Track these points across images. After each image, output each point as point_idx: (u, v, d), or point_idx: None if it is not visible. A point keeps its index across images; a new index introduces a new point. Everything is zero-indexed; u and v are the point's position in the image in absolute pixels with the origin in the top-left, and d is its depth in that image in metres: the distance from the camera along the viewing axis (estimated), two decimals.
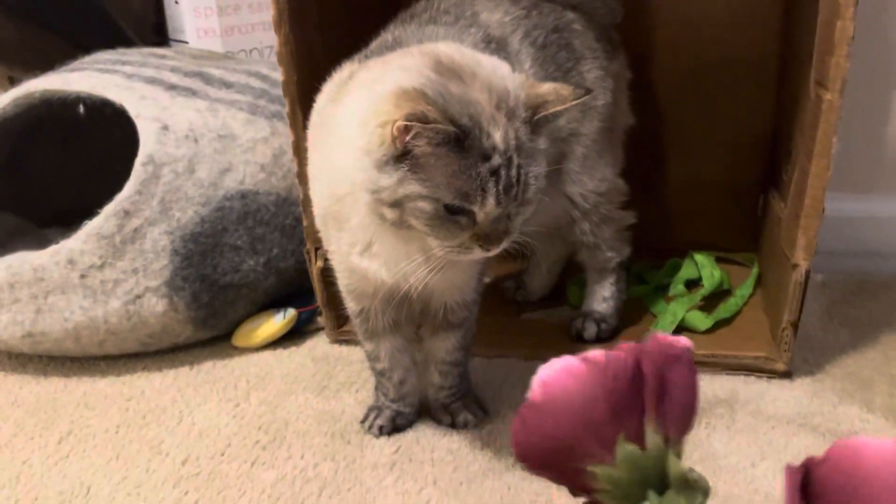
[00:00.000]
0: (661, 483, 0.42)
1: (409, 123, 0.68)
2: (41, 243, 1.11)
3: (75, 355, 1.15)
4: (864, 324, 1.17)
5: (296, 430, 0.97)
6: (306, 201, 1.06)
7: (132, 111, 1.11)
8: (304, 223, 1.10)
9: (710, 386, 1.02)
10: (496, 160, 0.70)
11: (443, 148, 0.69)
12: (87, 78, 1.17)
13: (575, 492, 0.45)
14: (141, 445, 0.96)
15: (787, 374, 1.03)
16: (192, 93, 1.19)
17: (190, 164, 1.10)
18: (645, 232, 1.15)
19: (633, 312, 1.18)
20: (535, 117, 0.73)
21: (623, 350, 0.43)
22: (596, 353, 0.44)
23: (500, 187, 0.71)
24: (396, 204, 0.73)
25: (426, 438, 0.95)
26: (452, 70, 0.73)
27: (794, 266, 0.97)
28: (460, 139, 0.69)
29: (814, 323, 1.16)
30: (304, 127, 0.98)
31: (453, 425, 0.97)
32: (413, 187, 0.71)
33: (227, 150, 1.14)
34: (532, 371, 1.07)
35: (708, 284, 1.20)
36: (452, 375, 0.97)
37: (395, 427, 0.97)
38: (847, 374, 1.04)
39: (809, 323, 0.99)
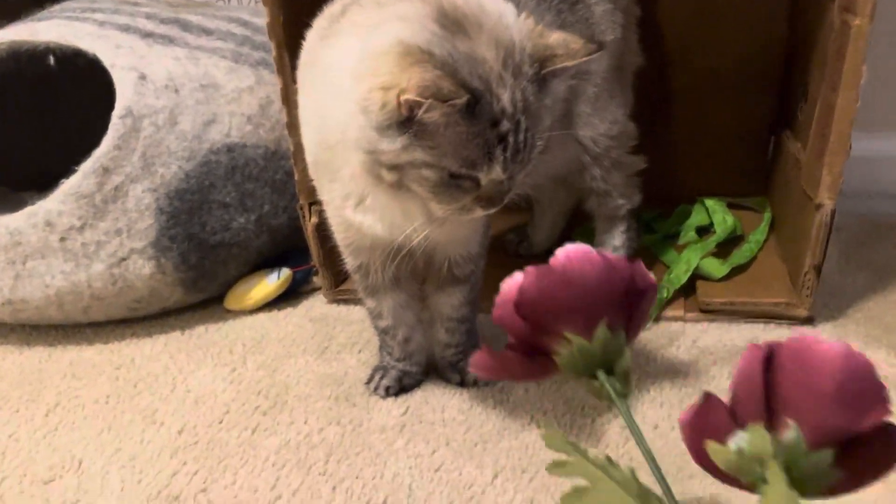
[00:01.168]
0: (609, 368, 0.53)
1: (420, 99, 0.62)
2: (17, 208, 1.04)
3: (59, 323, 1.09)
4: (883, 266, 1.13)
5: (297, 395, 0.93)
6: (297, 154, 1.00)
7: (106, 61, 1.03)
8: (296, 177, 1.04)
9: (729, 335, 0.98)
10: (505, 125, 0.66)
11: (453, 116, 0.64)
12: (56, 27, 1.09)
13: (534, 353, 0.54)
14: (133, 415, 0.91)
15: (808, 320, 0.99)
16: (170, 40, 1.11)
17: (171, 115, 1.03)
18: (651, 178, 1.10)
19: (643, 261, 1.13)
20: (543, 72, 0.68)
21: (625, 263, 0.53)
22: (609, 254, 0.53)
23: (508, 154, 0.67)
24: (396, 168, 0.68)
25: (435, 398, 0.90)
26: (457, 21, 0.67)
27: (818, 206, 0.92)
28: (471, 105, 0.64)
29: (831, 266, 1.12)
30: (293, 73, 0.92)
31: (462, 384, 0.92)
32: (417, 154, 0.66)
33: (211, 100, 1.07)
34: None
35: (720, 230, 1.15)
36: (459, 332, 0.92)
37: (402, 387, 0.92)
38: (869, 318, 1.00)
39: (826, 267, 0.95)
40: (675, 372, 0.92)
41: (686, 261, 1.07)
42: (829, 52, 0.92)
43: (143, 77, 1.03)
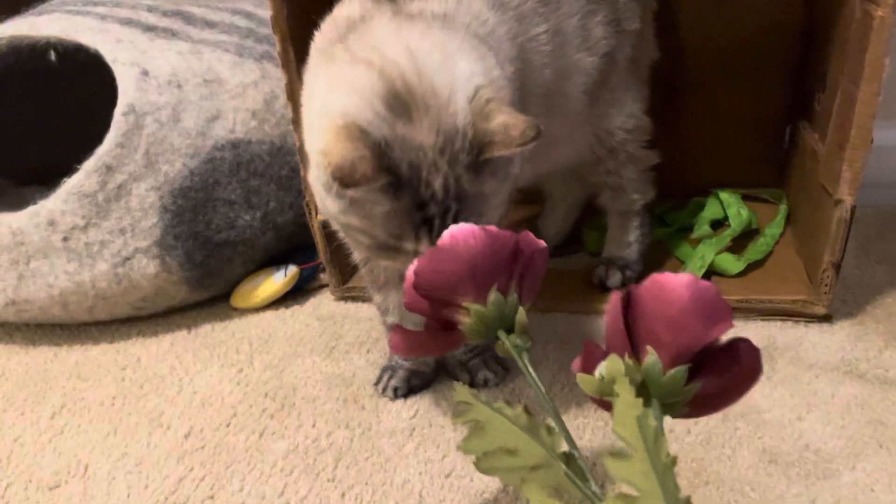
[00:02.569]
0: (509, 329, 0.59)
1: (336, 172, 0.62)
2: (19, 204, 1.02)
3: (64, 322, 1.08)
4: None
5: (305, 396, 0.91)
6: (303, 149, 0.97)
7: (108, 56, 1.01)
8: (302, 173, 1.02)
9: (745, 333, 0.94)
10: (431, 209, 0.67)
11: (374, 195, 0.65)
12: (56, 21, 1.07)
13: (440, 325, 0.60)
14: (140, 418, 0.90)
15: (826, 318, 0.96)
16: (173, 34, 1.09)
17: (174, 112, 1.01)
18: (663, 169, 1.07)
19: (655, 256, 1.11)
20: (481, 158, 0.66)
21: (508, 233, 0.59)
22: (491, 227, 0.58)
23: (434, 235, 0.67)
24: (342, 226, 0.73)
25: (445, 400, 0.89)
26: (404, 103, 0.66)
27: (838, 202, 0.89)
28: (393, 188, 0.65)
29: (848, 260, 1.08)
30: (298, 67, 0.89)
31: (472, 384, 0.91)
32: (353, 220, 0.69)
33: (215, 95, 1.05)
34: (551, 324, 1.02)
35: (735, 224, 1.13)
36: None
37: (411, 388, 0.90)
38: (889, 315, 0.98)
39: (844, 260, 0.92)
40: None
41: (700, 256, 1.05)
42: (850, 43, 0.89)
43: (145, 73, 1.00)
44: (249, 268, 1.11)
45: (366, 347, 1.00)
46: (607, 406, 0.51)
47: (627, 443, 0.46)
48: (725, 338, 0.51)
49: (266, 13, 0.99)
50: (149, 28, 1.07)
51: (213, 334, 1.06)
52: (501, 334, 0.59)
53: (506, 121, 0.65)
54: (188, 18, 1.13)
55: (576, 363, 0.54)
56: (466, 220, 0.67)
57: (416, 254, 0.69)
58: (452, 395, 0.87)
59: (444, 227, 0.66)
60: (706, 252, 1.06)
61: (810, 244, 1.01)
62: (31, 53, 1.08)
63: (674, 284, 0.50)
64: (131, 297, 1.04)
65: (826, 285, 0.93)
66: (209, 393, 0.93)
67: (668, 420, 0.81)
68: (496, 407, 0.58)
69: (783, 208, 1.17)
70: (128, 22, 1.08)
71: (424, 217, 0.67)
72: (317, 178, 0.71)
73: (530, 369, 0.58)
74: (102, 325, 1.08)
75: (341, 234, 0.85)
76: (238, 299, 1.10)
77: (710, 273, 1.04)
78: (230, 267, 1.08)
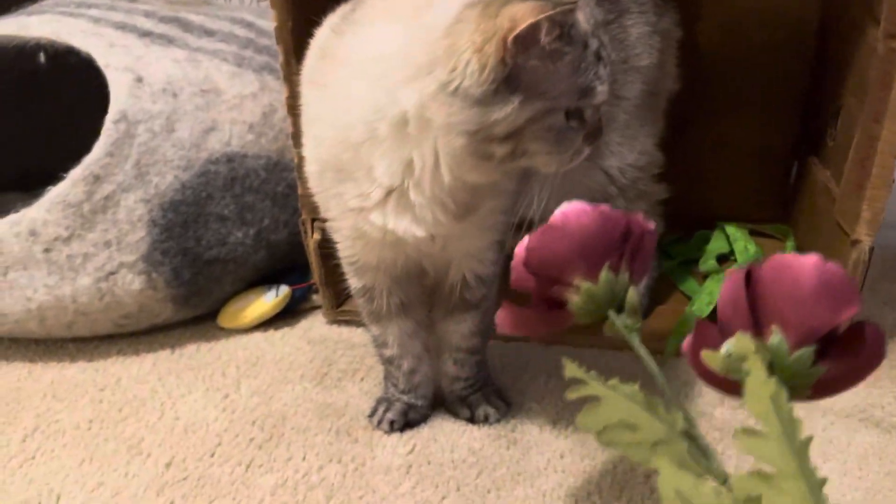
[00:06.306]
0: (619, 307, 0.59)
1: (536, 21, 0.59)
2: (0, 210, 0.97)
3: (40, 337, 1.02)
4: None
5: (295, 426, 0.86)
6: (301, 166, 0.93)
7: (101, 60, 0.97)
8: (300, 191, 0.98)
9: None
10: (594, 43, 0.65)
11: (557, 45, 0.62)
12: (47, 22, 1.02)
13: (547, 304, 0.60)
14: (118, 444, 0.84)
15: None
16: (169, 41, 1.04)
17: (168, 121, 0.96)
18: (667, 201, 1.04)
19: (660, 289, 1.08)
20: None
21: (619, 213, 0.59)
22: (603, 207, 0.58)
23: (606, 69, 0.66)
24: (514, 135, 0.64)
25: (444, 436, 0.84)
26: None
27: (855, 242, 0.87)
28: (569, 32, 0.62)
29: None
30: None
31: (472, 420, 0.87)
32: (537, 105, 0.63)
33: (211, 106, 1.00)
34: (554, 357, 0.97)
35: (742, 259, 1.10)
36: (469, 365, 0.87)
37: (408, 422, 0.86)
38: None
39: None
40: (698, 414, 0.86)
41: (709, 292, 1.02)
42: (871, 80, 0.87)
43: (139, 79, 0.96)
44: (239, 287, 1.06)
45: (359, 375, 0.95)
46: (723, 385, 0.51)
47: (762, 420, 0.45)
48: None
49: (266, 24, 0.96)
50: (145, 33, 1.03)
51: (197, 355, 1.01)
52: (611, 314, 0.58)
53: None
54: (186, 25, 1.09)
55: (687, 342, 0.53)
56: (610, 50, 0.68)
57: (594, 109, 0.67)
58: (451, 432, 0.84)
59: (608, 57, 0.67)
60: (714, 288, 1.02)
61: None
62: (20, 54, 1.03)
63: (801, 265, 0.49)
64: (113, 313, 0.98)
65: None
66: (193, 419, 0.88)
67: None
68: (610, 384, 0.56)
69: (790, 245, 1.14)
70: (122, 26, 1.04)
71: (595, 54, 0.65)
72: (456, 109, 0.63)
73: (643, 350, 0.57)
74: (81, 342, 1.03)
75: (342, 253, 0.82)
76: (226, 319, 1.05)
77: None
78: (219, 285, 1.03)
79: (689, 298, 1.05)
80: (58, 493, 0.78)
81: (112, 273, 0.96)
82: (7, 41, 1.01)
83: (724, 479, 0.50)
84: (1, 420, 0.89)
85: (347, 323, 1.06)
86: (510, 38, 0.59)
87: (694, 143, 1.23)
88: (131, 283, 0.96)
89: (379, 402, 0.88)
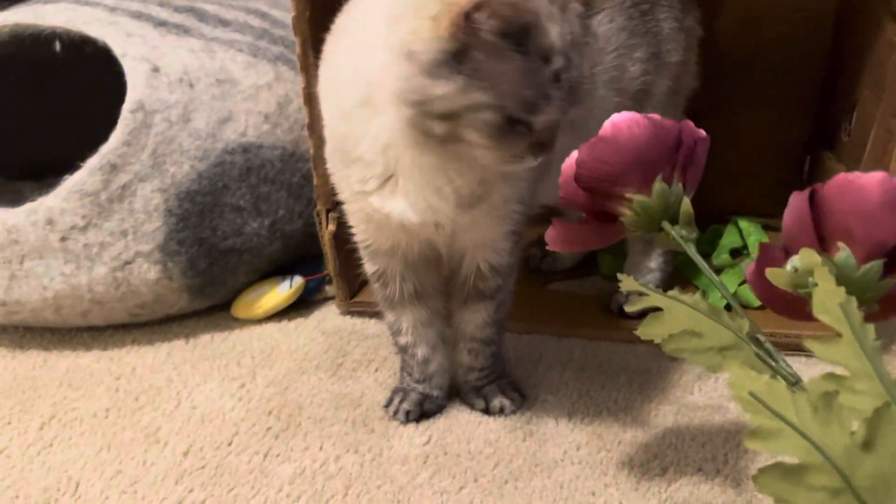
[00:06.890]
0: (673, 219, 0.58)
1: (479, 2, 0.57)
2: (13, 199, 0.97)
3: (56, 326, 1.02)
4: None
5: (311, 416, 0.87)
6: (317, 157, 0.94)
7: (117, 50, 0.97)
8: (315, 181, 0.98)
9: None
10: (557, 62, 0.61)
11: (505, 43, 0.59)
12: (63, 11, 1.02)
13: (598, 218, 0.60)
14: (135, 433, 0.85)
15: None
16: (185, 30, 1.04)
17: (185, 111, 0.97)
18: None
19: (672, 282, 1.08)
20: (588, 11, 0.66)
21: (671, 122, 0.58)
22: (655, 116, 0.57)
23: (563, 93, 0.62)
24: (450, 117, 0.63)
25: (460, 427, 0.85)
26: None
27: None
28: (523, 35, 0.60)
29: None
30: (316, 72, 0.86)
31: (487, 411, 0.87)
32: (476, 96, 0.61)
33: (227, 96, 1.00)
34: (567, 350, 0.98)
35: (755, 254, 1.10)
36: (484, 355, 0.87)
37: (423, 412, 0.86)
38: None
39: None
40: (713, 408, 0.86)
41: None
42: (888, 75, 0.87)
43: (156, 69, 0.96)
44: (253, 277, 1.06)
45: (374, 366, 0.96)
46: (787, 307, 0.52)
47: (833, 326, 0.46)
48: None
49: (281, 14, 0.96)
50: (160, 23, 1.03)
51: (212, 345, 1.01)
52: (666, 225, 0.58)
53: None
54: (201, 15, 1.09)
55: (750, 267, 0.54)
56: (582, 74, 0.65)
57: (543, 125, 0.63)
58: (467, 423, 0.84)
59: (571, 81, 0.63)
60: (728, 282, 1.03)
61: None
62: (35, 43, 1.03)
63: (866, 181, 0.49)
64: (129, 303, 0.99)
65: None
66: (209, 408, 0.88)
67: (693, 454, 0.78)
68: (671, 294, 0.57)
69: None
70: (138, 15, 1.03)
71: (553, 72, 0.61)
72: (405, 75, 0.62)
73: (699, 259, 0.57)
74: (95, 331, 1.03)
75: (357, 237, 0.82)
76: (240, 309, 1.06)
77: None
78: (234, 276, 1.03)
79: (703, 293, 1.05)
80: (77, 481, 0.78)
81: (128, 262, 0.96)
82: (22, 30, 1.01)
83: (795, 381, 0.51)
84: (18, 408, 0.89)
85: (361, 314, 1.06)
86: (463, 13, 0.59)
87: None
88: (147, 272, 0.97)
89: (394, 392, 0.88)
